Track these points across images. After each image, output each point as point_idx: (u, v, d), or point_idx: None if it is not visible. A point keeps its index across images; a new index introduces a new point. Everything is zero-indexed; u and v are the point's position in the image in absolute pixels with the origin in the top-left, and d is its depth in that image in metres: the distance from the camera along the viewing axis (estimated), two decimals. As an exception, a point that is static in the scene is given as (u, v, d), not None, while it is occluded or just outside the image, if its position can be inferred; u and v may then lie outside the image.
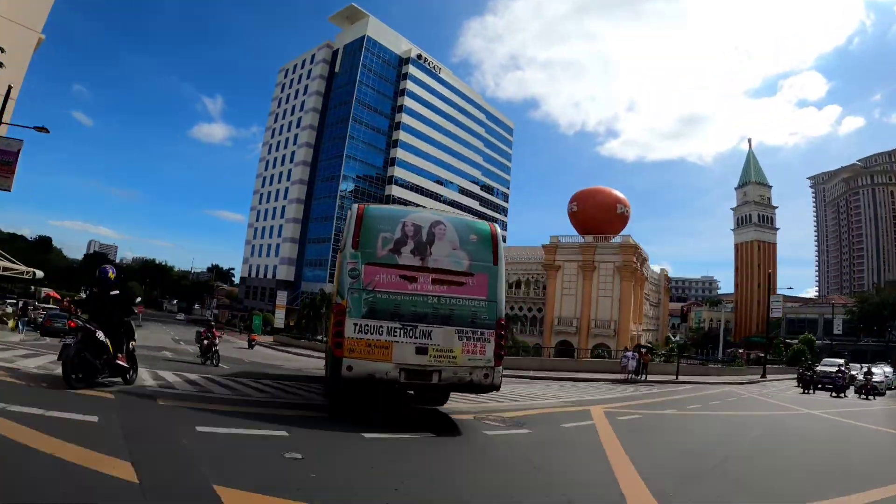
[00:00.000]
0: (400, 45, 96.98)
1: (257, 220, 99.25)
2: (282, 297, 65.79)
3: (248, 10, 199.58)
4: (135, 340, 8.28)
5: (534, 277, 68.70)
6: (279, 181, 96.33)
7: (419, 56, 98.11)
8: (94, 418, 5.37)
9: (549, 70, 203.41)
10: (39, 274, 30.99)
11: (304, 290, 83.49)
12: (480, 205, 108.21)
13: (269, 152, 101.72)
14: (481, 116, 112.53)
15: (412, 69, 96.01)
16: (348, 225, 7.60)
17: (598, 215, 65.96)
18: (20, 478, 3.51)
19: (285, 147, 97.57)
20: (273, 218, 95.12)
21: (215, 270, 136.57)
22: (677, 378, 27.29)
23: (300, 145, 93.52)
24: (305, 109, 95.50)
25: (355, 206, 7.75)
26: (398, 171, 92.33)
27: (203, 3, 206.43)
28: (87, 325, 7.12)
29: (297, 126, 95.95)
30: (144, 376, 9.45)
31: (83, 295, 19.16)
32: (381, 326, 6.82)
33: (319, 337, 49.55)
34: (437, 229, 7.45)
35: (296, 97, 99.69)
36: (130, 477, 3.65)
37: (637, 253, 62.37)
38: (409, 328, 6.89)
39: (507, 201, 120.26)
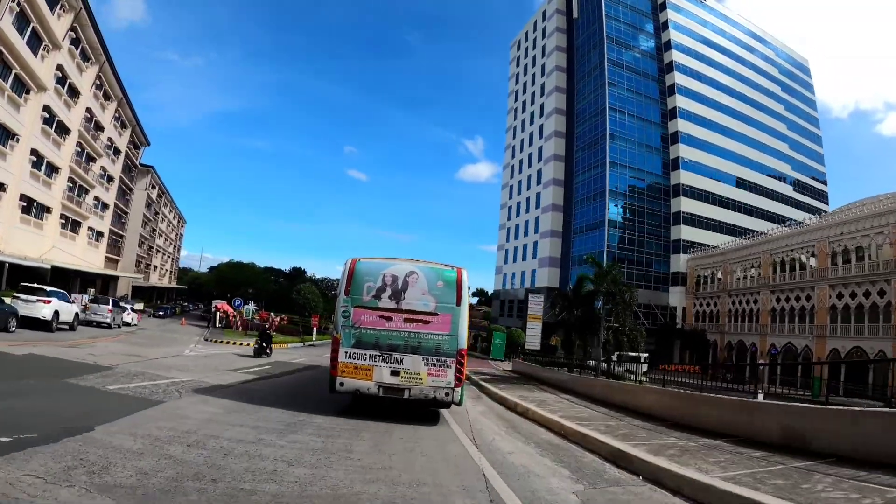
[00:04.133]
0: (643, -34, 72.33)
1: (508, 219, 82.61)
2: (536, 303, 43.90)
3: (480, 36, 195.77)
4: (272, 345, 22.71)
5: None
6: (529, 165, 78.20)
7: (671, -24, 70.97)
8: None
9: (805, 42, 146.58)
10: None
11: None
12: (793, 169, 76.26)
13: (514, 136, 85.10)
14: (769, 53, 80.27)
15: (668, -6, 70.22)
16: (342, 276, 9.46)
17: None
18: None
19: (531, 123, 79.46)
20: (527, 211, 76.91)
21: (479, 294, 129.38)
22: None
23: (548, 114, 74.07)
24: (548, 72, 76.28)
25: (348, 260, 9.48)
26: (683, 125, 65.57)
27: (436, 53, 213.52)
28: (261, 340, 21.38)
29: (542, 94, 77.08)
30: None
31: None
32: (365, 354, 8.84)
33: (593, 363, 27.26)
34: (410, 278, 9.23)
35: (533, 65, 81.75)
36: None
37: None
38: (385, 356, 8.84)
39: (822, 163, 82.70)
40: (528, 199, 76.95)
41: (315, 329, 39.51)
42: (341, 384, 8.73)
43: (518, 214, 79.36)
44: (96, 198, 40.11)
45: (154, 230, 62.48)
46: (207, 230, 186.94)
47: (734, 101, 71.24)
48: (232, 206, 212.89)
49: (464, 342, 9.07)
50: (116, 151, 43.44)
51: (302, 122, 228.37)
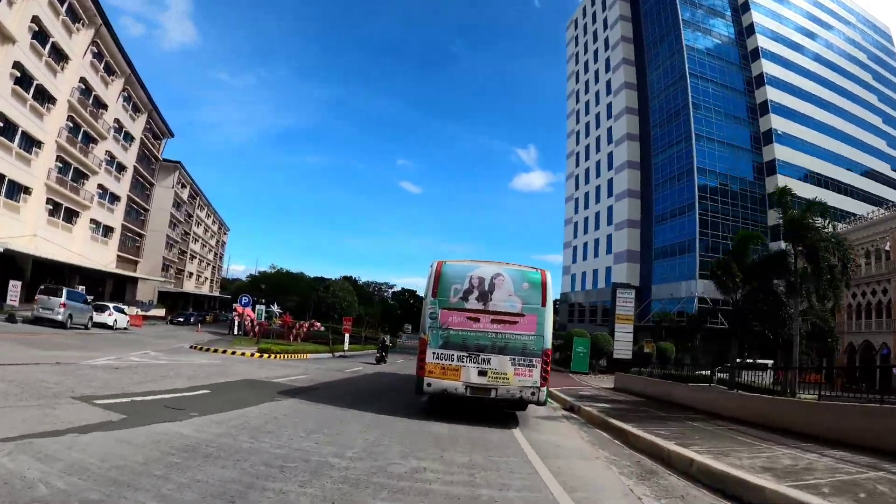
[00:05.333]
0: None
1: (576, 213, 73.76)
2: (625, 301, 35.70)
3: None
4: (388, 355, 28.39)
5: None
6: (597, 150, 69.39)
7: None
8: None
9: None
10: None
11: (656, 298, 52.59)
12: (888, 145, 65.32)
13: (577, 120, 76.55)
14: (850, 17, 69.92)
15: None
16: (429, 279, 9.39)
17: None
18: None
19: (596, 104, 70.84)
20: (597, 202, 67.86)
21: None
22: None
23: (616, 90, 65.34)
24: (612, 45, 67.67)
25: (434, 262, 9.45)
26: (772, 93, 55.83)
27: (486, 64, 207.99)
28: (380, 350, 27.68)
29: (608, 70, 68.40)
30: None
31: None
32: (453, 354, 8.85)
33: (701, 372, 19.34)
34: (496, 280, 9.19)
35: (595, 40, 73.26)
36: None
37: None
38: (473, 356, 8.84)
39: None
40: (598, 188, 67.95)
41: (347, 336, 32.17)
42: (429, 385, 8.76)
43: (587, 206, 70.39)
44: (102, 186, 35.15)
45: (187, 233, 58.24)
46: (262, 243, 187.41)
47: (822, 67, 61.81)
48: (287, 220, 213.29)
49: (549, 342, 9.07)
50: (128, 137, 38.62)
51: (353, 136, 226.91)
